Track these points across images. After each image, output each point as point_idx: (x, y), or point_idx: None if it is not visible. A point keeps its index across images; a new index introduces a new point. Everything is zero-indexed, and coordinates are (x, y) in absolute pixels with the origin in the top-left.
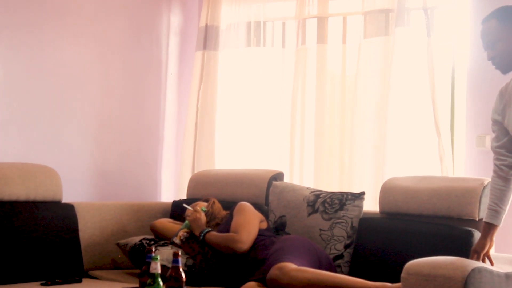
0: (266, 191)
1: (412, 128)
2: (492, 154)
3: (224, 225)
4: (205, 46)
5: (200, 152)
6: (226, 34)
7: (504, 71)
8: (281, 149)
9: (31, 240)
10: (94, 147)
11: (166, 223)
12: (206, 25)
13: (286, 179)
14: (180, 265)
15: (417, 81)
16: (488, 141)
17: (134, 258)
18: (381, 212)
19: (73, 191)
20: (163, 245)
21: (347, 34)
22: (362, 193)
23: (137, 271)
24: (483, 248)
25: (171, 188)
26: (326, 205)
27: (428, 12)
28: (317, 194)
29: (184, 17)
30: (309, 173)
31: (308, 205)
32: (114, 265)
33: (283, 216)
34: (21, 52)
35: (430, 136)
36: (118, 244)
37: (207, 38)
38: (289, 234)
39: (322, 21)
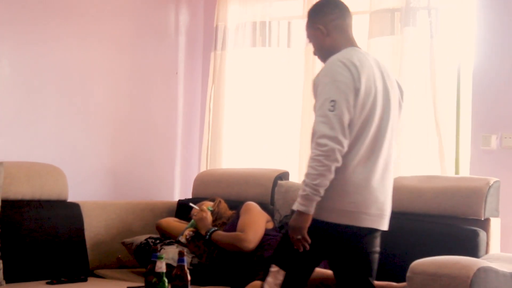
0: (271, 191)
1: (419, 128)
2: (497, 153)
3: (231, 224)
4: (216, 46)
5: (213, 152)
6: (235, 34)
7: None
8: (287, 149)
9: (37, 239)
10: (100, 146)
11: (172, 222)
12: (217, 25)
13: (292, 179)
14: (186, 264)
15: (423, 81)
16: (494, 140)
17: (140, 257)
18: None
19: (79, 190)
20: (169, 244)
21: (353, 33)
22: None
23: (143, 270)
24: None
25: (177, 188)
26: None
27: (432, 12)
28: None
29: (190, 16)
30: None
31: None
32: (120, 264)
33: (289, 215)
34: (27, 51)
35: (435, 136)
36: (123, 243)
37: (218, 38)
38: None
39: None
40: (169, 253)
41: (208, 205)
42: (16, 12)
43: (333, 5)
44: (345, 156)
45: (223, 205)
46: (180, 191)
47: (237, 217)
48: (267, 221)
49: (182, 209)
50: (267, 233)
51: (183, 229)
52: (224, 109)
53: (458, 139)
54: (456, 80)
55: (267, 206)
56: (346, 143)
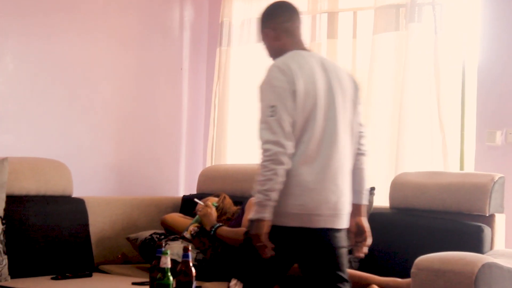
0: None
1: (423, 124)
2: (502, 149)
3: (236, 220)
4: (221, 43)
5: (218, 147)
6: (240, 30)
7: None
8: None
9: (41, 234)
10: (105, 142)
11: (177, 218)
12: (222, 21)
13: None
14: (190, 259)
15: (428, 77)
16: (499, 136)
17: (144, 252)
18: (391, 207)
19: (83, 186)
20: (174, 239)
21: (357, 29)
22: (373, 188)
23: (147, 265)
24: None
25: (182, 183)
26: None
27: (436, 8)
28: None
29: (195, 12)
30: None
31: None
32: (124, 260)
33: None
34: (31, 47)
35: (439, 133)
36: (128, 239)
37: (223, 34)
38: None
39: (332, 16)
40: (174, 249)
41: (213, 200)
42: (21, 8)
43: (282, 8)
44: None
45: (228, 201)
46: (185, 186)
47: (242, 212)
48: None
49: (187, 205)
50: None
51: (188, 224)
52: (229, 105)
53: (463, 135)
54: (461, 76)
55: None
56: (290, 145)
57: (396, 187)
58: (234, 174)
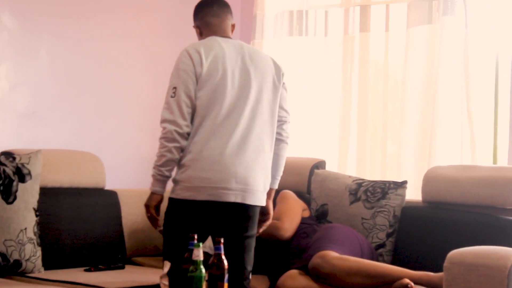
0: (308, 180)
1: (457, 118)
2: None
3: None
4: (254, 36)
5: None
6: (274, 23)
7: None
8: (323, 138)
9: (75, 226)
10: (138, 134)
11: None
12: (256, 14)
13: (328, 168)
14: (223, 252)
15: (461, 71)
16: None
17: None
18: (424, 201)
19: (116, 178)
20: None
21: (390, 22)
22: (405, 182)
23: None
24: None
25: None
26: (368, 193)
27: (467, 1)
28: (359, 183)
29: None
30: (352, 161)
31: (350, 194)
32: (157, 252)
33: (325, 204)
34: (65, 39)
35: (468, 127)
36: (161, 231)
37: (256, 27)
38: (331, 222)
39: (365, 9)
40: (206, 241)
41: None
42: (54, 1)
43: (205, 4)
44: (195, 135)
45: None
46: None
47: (273, 205)
48: (304, 210)
49: None
50: (303, 222)
51: None
52: None
53: (496, 129)
54: (495, 69)
55: (304, 195)
56: (185, 124)
57: (429, 180)
58: None
